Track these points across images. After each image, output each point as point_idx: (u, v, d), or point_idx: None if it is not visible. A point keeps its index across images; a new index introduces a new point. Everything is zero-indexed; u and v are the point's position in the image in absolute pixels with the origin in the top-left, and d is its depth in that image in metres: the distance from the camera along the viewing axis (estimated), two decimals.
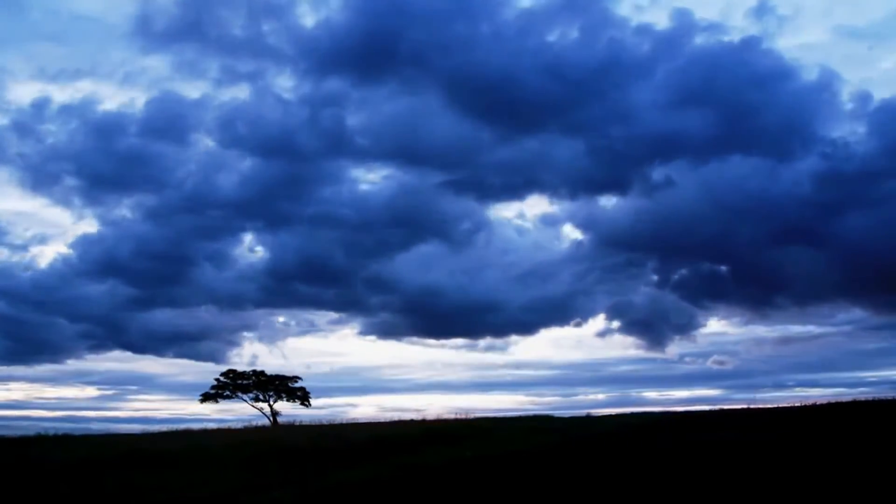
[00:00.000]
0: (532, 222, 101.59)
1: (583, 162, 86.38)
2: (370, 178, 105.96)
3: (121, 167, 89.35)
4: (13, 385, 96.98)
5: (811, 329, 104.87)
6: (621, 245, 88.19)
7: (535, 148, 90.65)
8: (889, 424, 25.11)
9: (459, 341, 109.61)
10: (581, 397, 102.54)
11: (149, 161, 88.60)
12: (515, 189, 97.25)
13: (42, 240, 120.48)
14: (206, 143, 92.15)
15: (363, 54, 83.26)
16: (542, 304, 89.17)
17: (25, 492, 18.13)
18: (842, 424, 26.32)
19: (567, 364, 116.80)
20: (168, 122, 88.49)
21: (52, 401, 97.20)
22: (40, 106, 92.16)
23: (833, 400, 39.61)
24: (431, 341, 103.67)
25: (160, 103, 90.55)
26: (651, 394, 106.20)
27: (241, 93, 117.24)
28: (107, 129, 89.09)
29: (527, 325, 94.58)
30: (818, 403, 37.42)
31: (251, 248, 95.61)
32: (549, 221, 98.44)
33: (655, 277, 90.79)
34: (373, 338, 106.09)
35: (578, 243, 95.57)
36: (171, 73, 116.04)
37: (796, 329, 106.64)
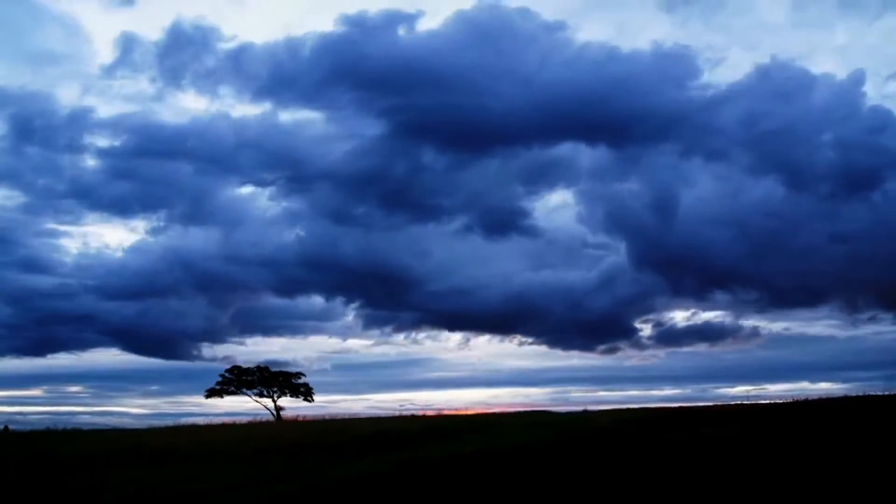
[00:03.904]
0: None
1: None
2: None
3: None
4: (23, 381, 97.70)
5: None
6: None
7: None
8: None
9: (458, 337, 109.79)
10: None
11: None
12: None
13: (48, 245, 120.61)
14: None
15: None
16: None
17: (34, 485, 18.57)
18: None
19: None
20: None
21: (59, 396, 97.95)
22: None
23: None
24: (434, 333, 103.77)
25: None
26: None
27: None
28: None
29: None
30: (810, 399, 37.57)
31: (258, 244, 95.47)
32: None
33: None
34: (376, 333, 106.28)
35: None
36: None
37: None
